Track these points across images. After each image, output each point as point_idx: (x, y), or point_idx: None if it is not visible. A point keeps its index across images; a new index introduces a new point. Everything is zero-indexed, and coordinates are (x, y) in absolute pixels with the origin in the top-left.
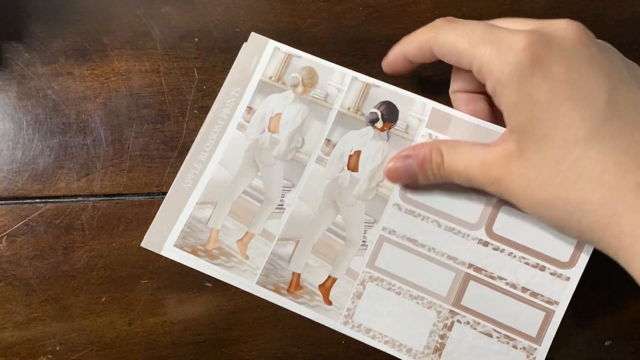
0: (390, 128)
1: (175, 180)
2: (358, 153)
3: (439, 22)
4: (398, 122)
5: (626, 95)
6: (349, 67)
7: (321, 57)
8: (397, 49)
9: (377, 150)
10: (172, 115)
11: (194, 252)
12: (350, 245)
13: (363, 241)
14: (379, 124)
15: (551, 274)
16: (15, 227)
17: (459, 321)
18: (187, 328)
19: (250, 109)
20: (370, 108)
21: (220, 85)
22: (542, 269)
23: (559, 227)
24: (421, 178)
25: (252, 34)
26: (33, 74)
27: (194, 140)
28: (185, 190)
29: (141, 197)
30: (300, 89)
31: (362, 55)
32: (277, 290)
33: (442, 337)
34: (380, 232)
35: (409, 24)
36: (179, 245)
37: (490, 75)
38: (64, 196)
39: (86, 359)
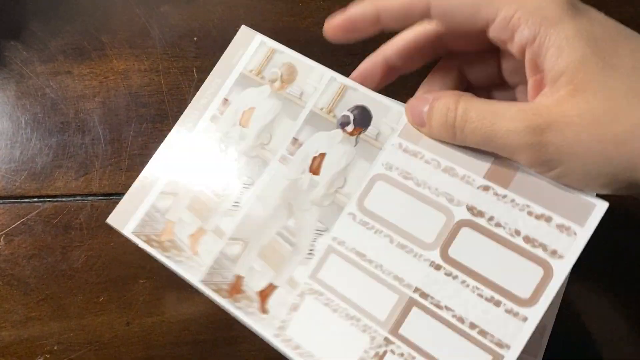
0: (360, 133)
1: (147, 164)
2: (322, 155)
3: None
4: (370, 128)
5: None
6: (348, 68)
7: (321, 57)
8: (367, 3)
9: (342, 155)
10: (170, 115)
11: (148, 241)
12: (297, 253)
13: (310, 250)
14: (350, 128)
15: (506, 311)
16: (13, 226)
17: (392, 351)
18: (185, 328)
19: (226, 101)
20: (344, 110)
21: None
22: (497, 304)
23: (634, 166)
24: (434, 128)
25: (242, 27)
26: (31, 72)
27: None
28: (151, 179)
29: None
30: (277, 84)
31: (362, 55)
32: (218, 291)
33: None
34: (330, 242)
35: None
36: (136, 233)
37: (531, 18)
38: (62, 195)
39: (84, 358)
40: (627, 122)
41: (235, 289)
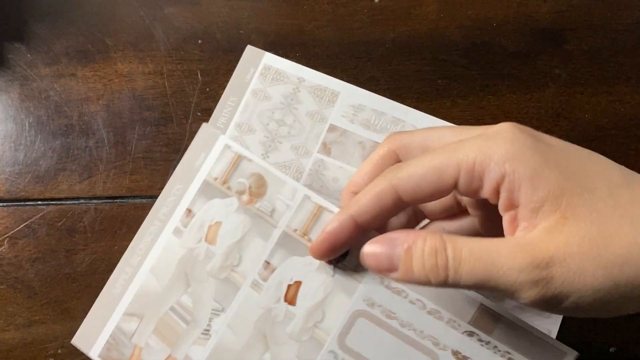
0: (338, 262)
1: (108, 281)
2: (298, 284)
3: (393, 166)
4: (347, 257)
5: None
6: (353, 71)
7: (325, 60)
8: (340, 215)
9: (320, 285)
10: (175, 118)
11: None
12: None
13: None
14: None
15: None
16: (17, 229)
17: None
18: None
19: (189, 212)
20: (319, 232)
21: (224, 88)
22: None
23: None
24: (404, 276)
25: (203, 124)
26: (35, 75)
27: None
28: (114, 296)
29: (144, 200)
30: (245, 197)
31: (367, 58)
32: None
33: None
34: None
35: (414, 27)
36: (102, 357)
37: (492, 162)
38: (66, 198)
39: None
40: (622, 242)
41: None
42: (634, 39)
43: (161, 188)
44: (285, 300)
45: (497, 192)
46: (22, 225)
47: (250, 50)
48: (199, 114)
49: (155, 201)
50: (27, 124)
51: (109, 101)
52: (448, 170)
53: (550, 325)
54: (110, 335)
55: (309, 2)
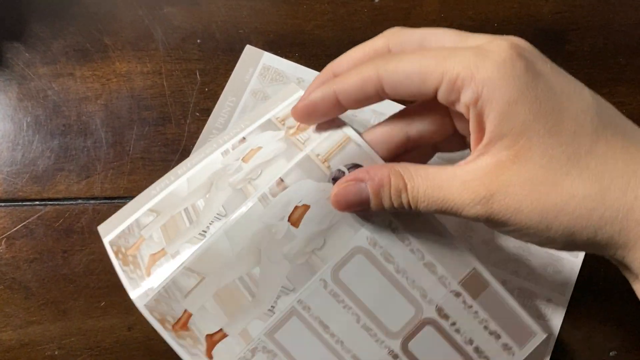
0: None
1: (153, 184)
2: (306, 207)
3: (385, 55)
4: None
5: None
6: None
7: (325, 60)
8: (325, 87)
9: (328, 214)
10: (173, 118)
11: (116, 253)
12: (257, 305)
13: (272, 306)
14: None
15: None
16: (14, 229)
17: None
18: None
19: (243, 140)
20: (340, 165)
21: (223, 88)
22: None
23: (574, 232)
24: (375, 205)
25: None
26: (34, 74)
27: (195, 142)
28: (150, 195)
29: None
30: (292, 130)
31: None
32: (161, 322)
33: None
34: (295, 303)
35: (414, 26)
36: (110, 243)
37: (472, 81)
38: (64, 199)
39: None
40: (565, 192)
41: (181, 324)
42: (635, 40)
43: None
44: (289, 220)
45: (468, 111)
46: (20, 226)
47: (249, 50)
48: (197, 114)
49: None
50: (25, 124)
51: (107, 101)
52: (432, 76)
53: (551, 328)
54: (127, 226)
55: (308, 2)
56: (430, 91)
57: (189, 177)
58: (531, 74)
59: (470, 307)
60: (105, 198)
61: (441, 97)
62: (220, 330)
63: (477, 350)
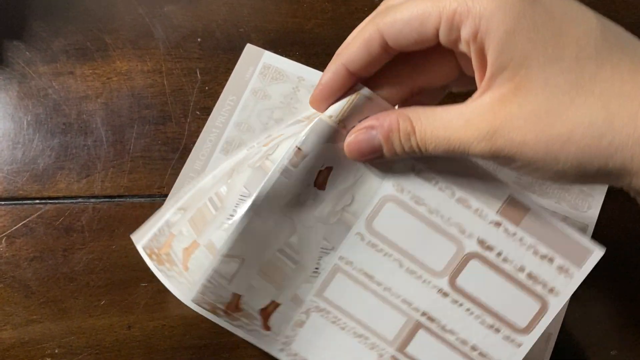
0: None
1: (175, 183)
2: (329, 169)
3: (382, 11)
4: None
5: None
6: None
7: (325, 59)
8: (333, 64)
9: (350, 171)
10: (174, 116)
11: (150, 254)
12: (301, 270)
13: (316, 268)
14: None
15: (504, 338)
16: (14, 228)
17: None
18: (187, 332)
19: (269, 136)
20: (355, 122)
21: (223, 87)
22: (497, 331)
23: (583, 162)
24: (387, 151)
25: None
26: (34, 73)
27: (195, 141)
28: (179, 196)
29: (142, 199)
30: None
31: None
32: (213, 311)
33: None
34: (337, 261)
35: None
36: (144, 246)
37: (470, 15)
38: (64, 197)
39: None
40: (569, 121)
41: (233, 307)
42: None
43: (160, 187)
44: (315, 185)
45: (470, 49)
46: (20, 224)
47: (249, 49)
48: (197, 112)
49: (154, 201)
50: (25, 122)
51: (107, 99)
52: (430, 18)
53: (551, 328)
54: (158, 229)
55: (309, 0)
56: (431, 34)
57: (215, 173)
58: (528, 1)
59: (514, 234)
60: (106, 197)
61: (443, 38)
62: (272, 301)
63: (530, 276)
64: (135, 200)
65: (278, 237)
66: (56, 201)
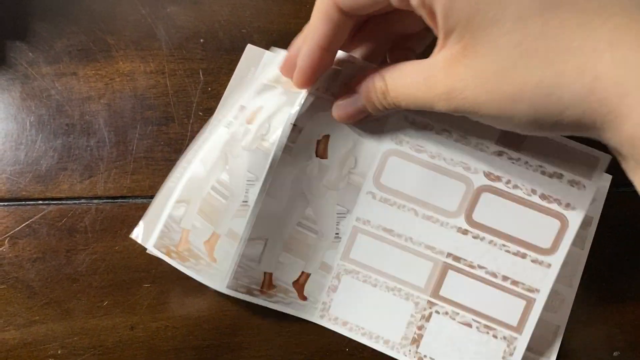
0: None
1: (166, 178)
2: (327, 138)
3: None
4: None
5: None
6: None
7: None
8: (306, 47)
9: (347, 134)
10: (176, 117)
11: (167, 253)
12: (323, 239)
13: (336, 233)
14: None
15: (532, 261)
16: (17, 229)
17: (437, 312)
18: (190, 333)
19: (242, 107)
20: (340, 86)
21: (225, 87)
22: (523, 256)
23: (537, 118)
24: (371, 110)
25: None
26: (37, 73)
27: None
28: (170, 188)
29: (145, 200)
30: (289, 83)
31: None
32: (249, 292)
33: (420, 328)
34: (354, 222)
35: None
36: (157, 246)
37: None
38: (67, 198)
39: None
40: (515, 81)
41: (266, 285)
42: None
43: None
44: (317, 156)
45: (423, 9)
46: (23, 225)
47: (250, 49)
48: (200, 113)
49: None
50: (28, 123)
51: (110, 100)
52: None
53: (559, 321)
54: (163, 225)
55: (311, 1)
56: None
57: (202, 157)
58: None
59: (518, 159)
60: (109, 197)
61: (395, 2)
62: (302, 272)
63: (543, 196)
64: (138, 201)
65: (294, 212)
66: (59, 202)
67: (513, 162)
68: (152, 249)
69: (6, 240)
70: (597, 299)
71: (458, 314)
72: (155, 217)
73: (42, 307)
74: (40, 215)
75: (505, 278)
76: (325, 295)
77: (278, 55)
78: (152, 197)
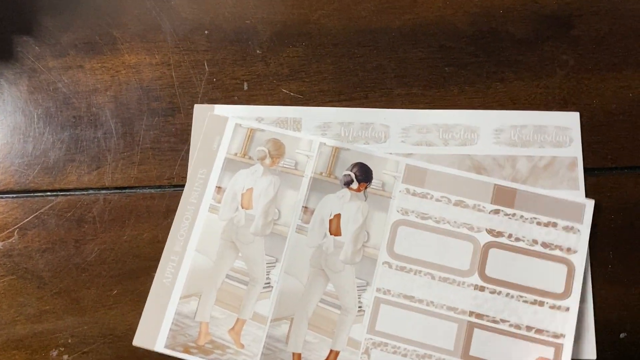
0: (366, 188)
1: (155, 276)
2: (338, 216)
3: None
4: (373, 181)
5: None
6: (360, 59)
7: (331, 49)
8: None
9: (357, 211)
10: (182, 108)
11: (186, 350)
12: (347, 313)
13: (359, 306)
14: (354, 185)
15: (550, 307)
16: (26, 220)
17: None
18: None
19: (219, 189)
20: (343, 171)
21: (231, 78)
22: (541, 304)
23: None
24: None
25: (210, 114)
26: (44, 67)
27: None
28: (166, 285)
29: (152, 190)
30: (268, 161)
31: (374, 47)
32: None
33: None
34: (375, 293)
35: (420, 15)
36: (170, 346)
37: None
38: (75, 189)
39: (98, 351)
40: None
41: None
42: None
43: (170, 178)
44: (331, 233)
45: None
46: (32, 216)
47: (211, 118)
48: (206, 104)
49: (164, 191)
50: (35, 116)
51: (116, 92)
52: None
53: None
54: (172, 323)
55: None
56: None
57: (197, 247)
58: None
59: (514, 214)
60: (116, 188)
61: None
62: (331, 351)
63: (545, 245)
64: (146, 191)
65: (315, 288)
66: (67, 193)
67: (510, 218)
68: (164, 351)
69: (15, 232)
70: (605, 282)
71: None
72: (156, 317)
73: (52, 297)
74: (48, 206)
75: (529, 328)
76: None
77: (227, 123)
78: (159, 187)
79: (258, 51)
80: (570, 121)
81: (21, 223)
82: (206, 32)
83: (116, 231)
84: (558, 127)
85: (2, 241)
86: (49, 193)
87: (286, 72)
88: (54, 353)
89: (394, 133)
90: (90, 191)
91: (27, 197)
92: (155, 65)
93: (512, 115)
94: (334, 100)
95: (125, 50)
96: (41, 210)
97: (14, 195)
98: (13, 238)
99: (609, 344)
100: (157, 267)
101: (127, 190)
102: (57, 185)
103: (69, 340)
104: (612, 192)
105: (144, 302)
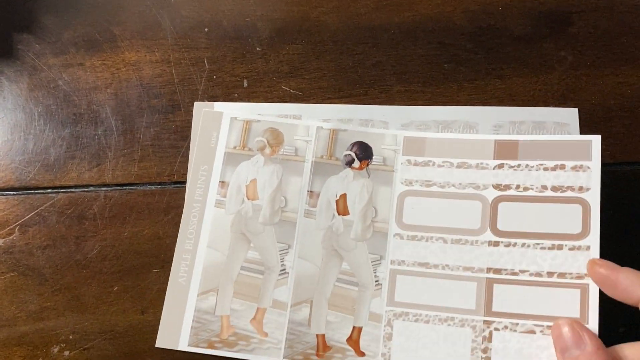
0: (367, 165)
1: (170, 277)
2: (344, 196)
3: None
4: (374, 157)
5: None
6: (359, 56)
7: (331, 46)
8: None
9: (362, 188)
10: (182, 105)
11: (210, 345)
12: (365, 289)
13: (376, 281)
14: (356, 164)
15: (570, 249)
16: (27, 217)
17: (496, 329)
18: None
19: (223, 183)
20: (343, 151)
21: (231, 75)
22: (560, 247)
23: None
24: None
25: (204, 110)
26: (44, 65)
27: None
28: (182, 284)
29: (153, 187)
30: (268, 150)
31: (373, 44)
32: (307, 359)
33: (485, 350)
34: (390, 266)
35: (419, 11)
36: (194, 343)
37: None
38: (76, 186)
39: (99, 347)
40: None
41: (321, 348)
42: (638, 20)
43: (170, 175)
44: (339, 214)
45: None
46: (33, 213)
47: (206, 113)
48: (206, 101)
49: (165, 188)
50: (36, 114)
51: (117, 90)
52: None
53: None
54: (193, 321)
55: None
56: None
57: (208, 243)
58: None
59: (518, 165)
60: (117, 185)
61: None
62: (354, 327)
63: (555, 188)
64: (147, 187)
65: (330, 269)
66: (68, 190)
67: (515, 170)
68: (188, 349)
69: (16, 229)
70: None
71: (517, 324)
72: (176, 317)
73: (53, 294)
74: (49, 203)
75: (550, 274)
76: (382, 346)
77: (222, 119)
78: (160, 183)
79: (258, 48)
80: (568, 117)
81: (22, 220)
82: (206, 29)
83: (117, 228)
84: (557, 123)
85: (3, 238)
86: (49, 190)
87: (286, 69)
88: (55, 349)
89: (394, 129)
90: (91, 188)
91: (28, 194)
92: (155, 63)
93: (510, 112)
94: (333, 97)
95: (126, 47)
96: (42, 207)
97: (15, 193)
98: (14, 235)
99: (609, 338)
100: (158, 264)
101: (127, 187)
102: (57, 183)
103: (70, 337)
104: (610, 188)
105: (146, 298)
